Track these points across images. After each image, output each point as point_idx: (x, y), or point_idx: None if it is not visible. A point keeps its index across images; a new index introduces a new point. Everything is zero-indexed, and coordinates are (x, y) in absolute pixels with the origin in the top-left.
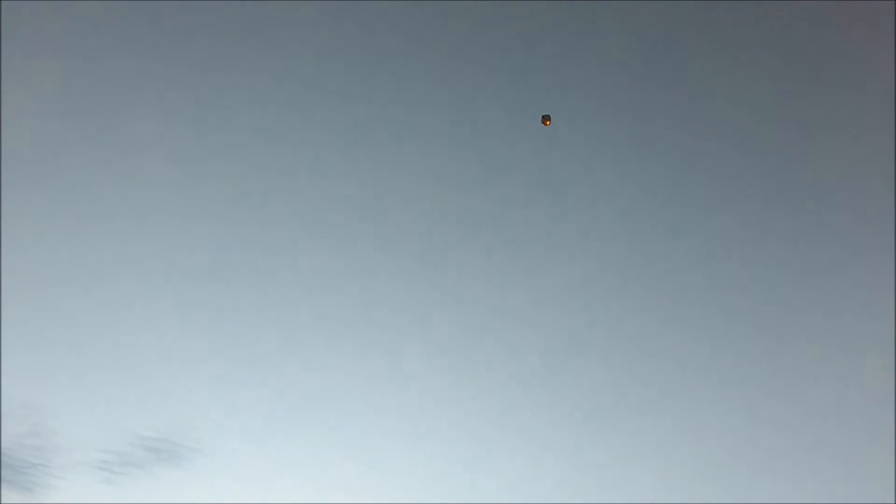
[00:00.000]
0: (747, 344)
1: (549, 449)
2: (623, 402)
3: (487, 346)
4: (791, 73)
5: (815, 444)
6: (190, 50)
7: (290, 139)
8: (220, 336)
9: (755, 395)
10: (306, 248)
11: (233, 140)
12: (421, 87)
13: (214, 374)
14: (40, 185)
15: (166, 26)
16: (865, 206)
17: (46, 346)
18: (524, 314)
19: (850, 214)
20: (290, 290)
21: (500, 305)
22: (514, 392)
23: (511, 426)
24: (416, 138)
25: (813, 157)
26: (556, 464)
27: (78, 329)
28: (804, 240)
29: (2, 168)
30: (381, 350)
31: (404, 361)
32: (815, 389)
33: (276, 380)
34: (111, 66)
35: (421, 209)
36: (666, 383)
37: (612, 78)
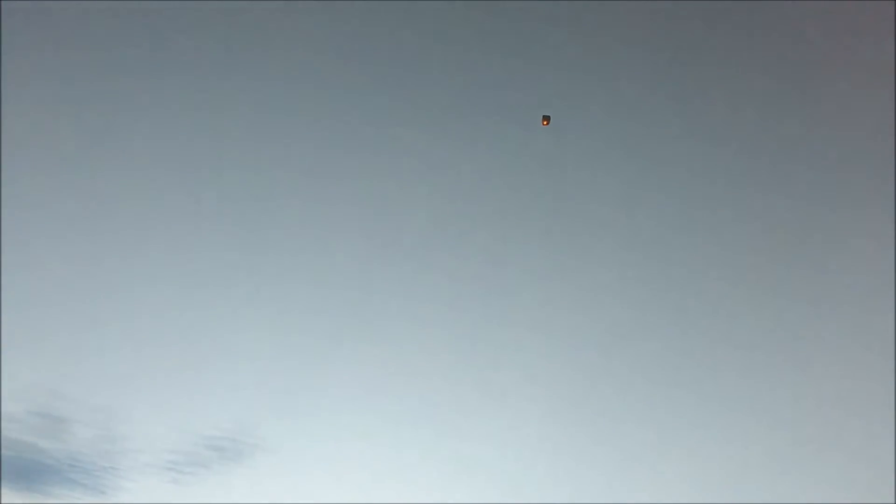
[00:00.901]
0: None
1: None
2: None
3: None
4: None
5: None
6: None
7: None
8: (279, 337)
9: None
10: (367, 251)
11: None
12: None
13: (276, 374)
14: (105, 187)
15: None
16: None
17: (113, 351)
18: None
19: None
20: (349, 291)
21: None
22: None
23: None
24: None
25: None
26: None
27: (143, 335)
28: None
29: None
30: (448, 349)
31: (474, 360)
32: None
33: (337, 377)
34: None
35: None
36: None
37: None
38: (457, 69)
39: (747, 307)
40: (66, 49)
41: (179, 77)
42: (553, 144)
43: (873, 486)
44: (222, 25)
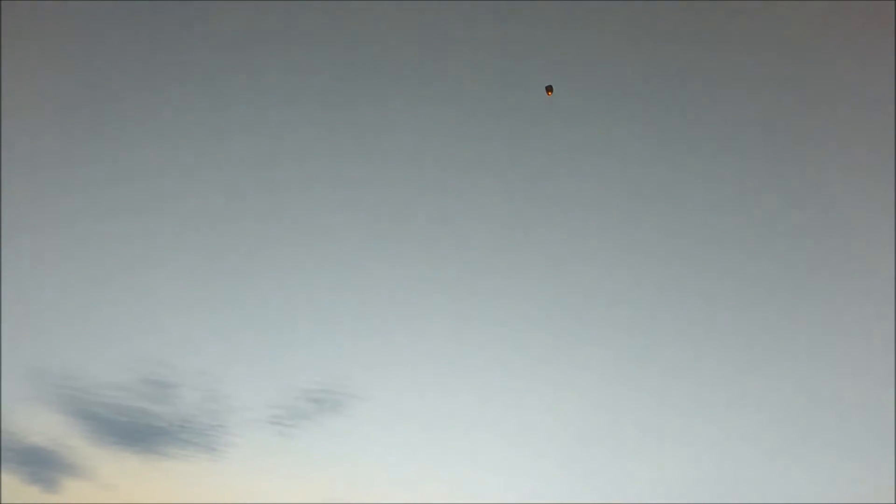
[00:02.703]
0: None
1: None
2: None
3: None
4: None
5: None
6: None
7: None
8: (371, 290)
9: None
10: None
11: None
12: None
13: (367, 328)
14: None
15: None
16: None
17: (212, 316)
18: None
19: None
20: (432, 249)
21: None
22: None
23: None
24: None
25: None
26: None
27: (238, 299)
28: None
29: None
30: (532, 314)
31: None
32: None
33: (426, 327)
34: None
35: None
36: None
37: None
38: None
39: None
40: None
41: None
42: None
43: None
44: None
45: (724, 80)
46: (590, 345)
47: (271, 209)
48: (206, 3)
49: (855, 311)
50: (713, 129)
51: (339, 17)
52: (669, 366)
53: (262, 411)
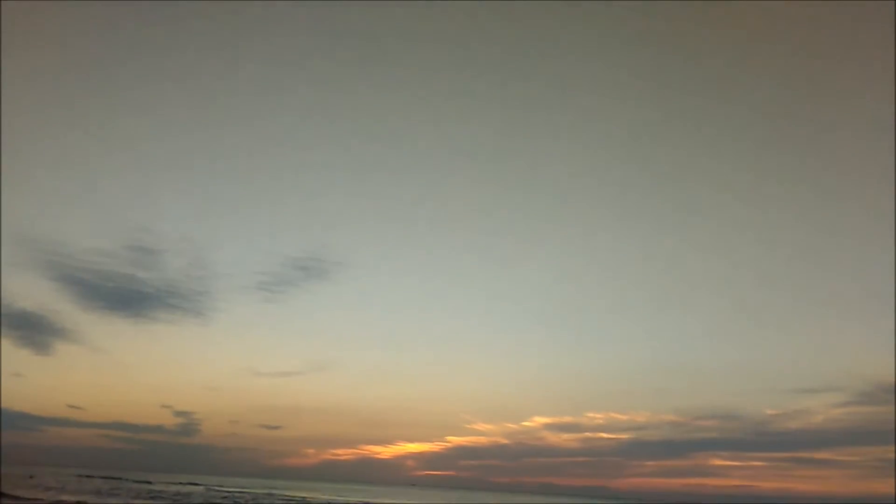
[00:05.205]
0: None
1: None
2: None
3: None
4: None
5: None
6: None
7: None
8: (357, 161)
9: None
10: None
11: None
12: None
13: (354, 196)
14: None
15: None
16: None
17: (195, 181)
18: None
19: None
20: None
21: None
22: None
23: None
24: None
25: None
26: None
27: (222, 163)
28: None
29: None
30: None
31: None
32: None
33: (413, 200)
34: None
35: None
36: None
37: None
38: None
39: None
40: None
41: None
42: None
43: None
44: None
45: None
46: (581, 200)
47: (260, 76)
48: None
49: (856, 158)
50: None
51: None
52: (666, 218)
53: (248, 278)
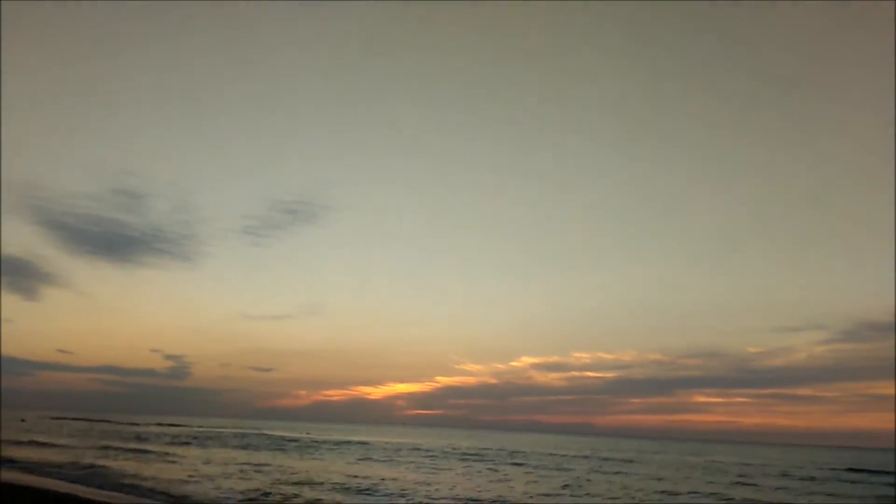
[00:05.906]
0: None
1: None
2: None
3: None
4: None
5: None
6: None
7: None
8: (346, 103)
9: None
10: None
11: None
12: None
13: (343, 139)
14: None
15: None
16: None
17: (178, 123)
18: None
19: None
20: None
21: None
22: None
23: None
24: None
25: None
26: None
27: (210, 106)
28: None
29: None
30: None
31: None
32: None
33: (400, 142)
34: None
35: None
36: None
37: None
38: None
39: None
40: None
41: None
42: None
43: None
44: None
45: None
46: (570, 137)
47: (247, 16)
48: None
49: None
50: None
51: None
52: (652, 157)
53: (235, 221)
